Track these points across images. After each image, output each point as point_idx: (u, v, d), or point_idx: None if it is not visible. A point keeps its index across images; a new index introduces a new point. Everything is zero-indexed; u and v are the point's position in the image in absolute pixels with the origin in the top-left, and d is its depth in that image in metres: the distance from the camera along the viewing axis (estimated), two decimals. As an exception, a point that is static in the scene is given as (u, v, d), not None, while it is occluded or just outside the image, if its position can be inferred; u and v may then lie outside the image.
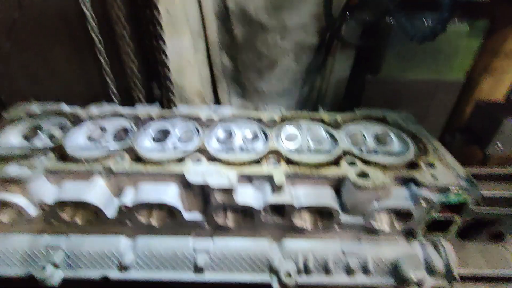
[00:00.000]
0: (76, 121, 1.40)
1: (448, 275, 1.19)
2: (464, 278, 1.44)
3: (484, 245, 1.56)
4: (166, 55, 2.41)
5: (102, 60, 2.24)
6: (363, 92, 2.50)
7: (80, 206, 1.18)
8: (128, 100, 2.53)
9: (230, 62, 2.77)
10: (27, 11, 2.31)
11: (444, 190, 1.06)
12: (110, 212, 1.15)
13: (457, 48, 2.28)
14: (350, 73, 2.68)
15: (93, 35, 2.07)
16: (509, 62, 2.50)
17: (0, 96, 2.53)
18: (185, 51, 2.50)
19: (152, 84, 2.71)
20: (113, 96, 2.42)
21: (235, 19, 2.45)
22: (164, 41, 2.35)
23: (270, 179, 1.12)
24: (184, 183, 1.16)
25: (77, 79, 2.68)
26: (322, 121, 1.41)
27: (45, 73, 2.61)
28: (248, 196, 1.12)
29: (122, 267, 1.22)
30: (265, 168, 1.13)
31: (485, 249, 1.54)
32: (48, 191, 1.15)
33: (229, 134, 1.35)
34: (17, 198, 1.13)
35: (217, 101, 2.98)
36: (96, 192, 1.14)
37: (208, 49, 2.67)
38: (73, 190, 1.13)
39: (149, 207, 1.20)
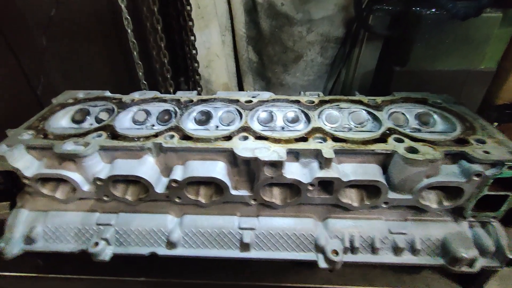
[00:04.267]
0: (121, 106, 1.45)
1: (500, 254, 1.17)
2: (509, 264, 1.40)
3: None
4: (195, 48, 2.46)
5: (135, 54, 2.31)
6: (390, 84, 2.47)
7: (131, 182, 1.22)
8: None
9: (255, 56, 2.80)
10: (63, 9, 2.41)
11: (498, 164, 1.04)
12: (160, 188, 1.19)
13: (489, 37, 2.24)
14: (377, 65, 2.67)
15: (128, 30, 2.14)
16: (541, 52, 2.44)
17: (36, 91, 2.63)
18: (213, 45, 2.55)
19: (179, 79, 2.77)
20: (144, 89, 2.47)
21: (263, 12, 2.49)
22: (194, 34, 2.41)
23: (317, 156, 1.13)
24: (231, 161, 1.18)
25: (107, 75, 2.77)
26: (361, 103, 1.42)
27: (77, 69, 2.71)
28: (296, 172, 1.13)
29: (170, 244, 1.24)
30: (312, 144, 1.15)
31: (530, 235, 1.49)
32: (102, 168, 1.19)
33: (270, 116, 1.37)
34: (72, 174, 1.18)
35: (242, 94, 3.01)
36: (147, 168, 1.18)
37: (235, 43, 2.72)
38: (125, 167, 1.17)
39: (197, 184, 1.23)
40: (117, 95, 1.55)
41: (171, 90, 2.52)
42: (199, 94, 2.62)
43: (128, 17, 2.14)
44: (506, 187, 1.10)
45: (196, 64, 2.50)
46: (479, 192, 1.10)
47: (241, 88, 2.98)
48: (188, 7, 2.27)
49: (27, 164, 1.18)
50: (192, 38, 2.41)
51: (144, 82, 2.45)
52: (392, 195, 1.15)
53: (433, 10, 1.87)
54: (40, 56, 2.52)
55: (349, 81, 2.83)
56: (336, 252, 1.17)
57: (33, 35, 2.44)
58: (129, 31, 2.20)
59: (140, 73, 2.40)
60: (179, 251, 1.25)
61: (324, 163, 1.10)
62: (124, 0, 2.09)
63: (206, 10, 2.38)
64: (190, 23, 2.34)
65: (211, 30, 2.47)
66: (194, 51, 2.45)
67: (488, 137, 1.17)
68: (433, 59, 2.33)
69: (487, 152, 1.07)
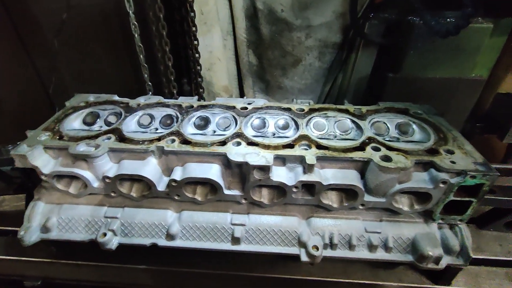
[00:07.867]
0: (128, 110, 1.59)
1: (464, 254, 1.29)
2: (480, 263, 1.53)
3: (500, 233, 1.63)
4: (198, 52, 2.59)
5: (142, 57, 2.44)
6: (384, 90, 2.58)
7: (136, 181, 1.37)
8: (159, 95, 2.74)
9: (256, 60, 2.92)
10: (74, 13, 2.55)
11: (462, 173, 1.16)
12: (161, 186, 1.33)
13: (480, 46, 2.32)
14: (372, 71, 2.77)
15: (135, 34, 2.27)
16: (532, 61, 2.51)
17: (48, 90, 2.80)
18: (215, 49, 2.68)
19: (182, 81, 2.90)
20: (149, 91, 2.62)
21: (263, 18, 2.60)
22: (197, 39, 2.53)
23: (302, 161, 1.26)
24: (225, 164, 1.32)
25: (115, 76, 2.92)
26: (347, 112, 1.54)
27: (87, 69, 2.86)
28: (282, 175, 1.27)
29: (169, 237, 1.39)
30: (298, 150, 1.28)
31: (501, 237, 1.62)
32: (110, 167, 1.34)
33: (263, 123, 1.50)
34: (84, 172, 1.33)
35: (242, 96, 3.14)
36: (150, 168, 1.32)
37: (236, 47, 2.84)
38: (131, 167, 1.31)
39: (195, 183, 1.37)
40: (125, 99, 1.68)
41: (175, 92, 2.65)
42: (200, 96, 2.75)
43: (135, 23, 2.27)
44: (470, 194, 1.22)
45: (198, 67, 2.63)
46: (445, 198, 1.23)
47: (241, 90, 3.10)
48: (192, 13, 2.39)
49: (45, 162, 1.33)
50: (196, 42, 2.53)
51: (149, 83, 2.59)
52: (368, 198, 1.28)
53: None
54: (52, 58, 2.67)
55: (345, 85, 2.94)
56: (316, 248, 1.31)
57: (46, 38, 2.59)
58: (136, 35, 2.33)
59: (146, 75, 2.53)
60: (177, 243, 1.40)
61: (307, 168, 1.23)
62: (132, 6, 2.22)
63: (209, 16, 2.50)
64: (194, 28, 2.46)
65: (213, 34, 2.59)
66: (197, 55, 2.58)
67: (457, 147, 1.29)
68: (425, 67, 2.42)
69: (453, 162, 1.20)
